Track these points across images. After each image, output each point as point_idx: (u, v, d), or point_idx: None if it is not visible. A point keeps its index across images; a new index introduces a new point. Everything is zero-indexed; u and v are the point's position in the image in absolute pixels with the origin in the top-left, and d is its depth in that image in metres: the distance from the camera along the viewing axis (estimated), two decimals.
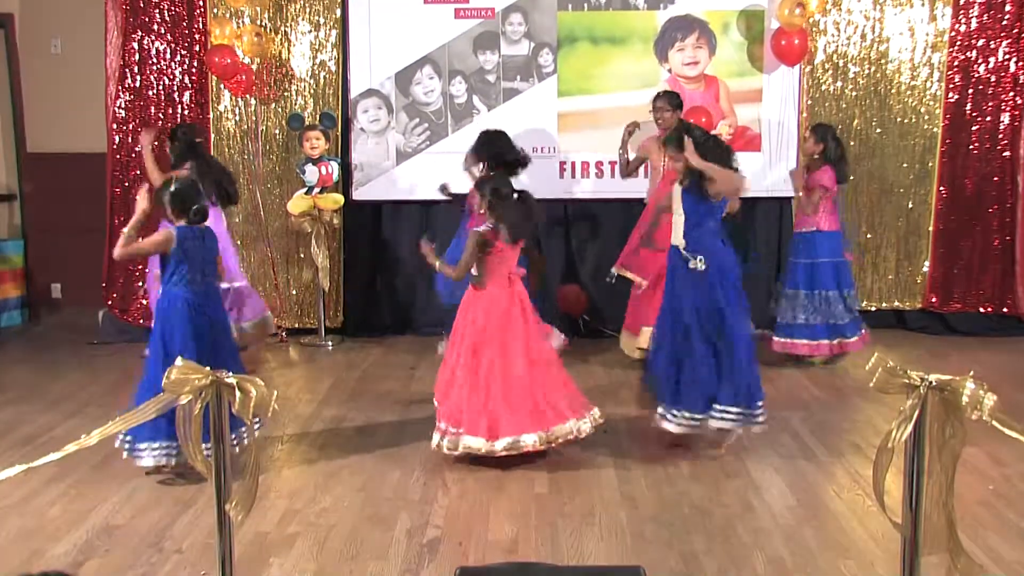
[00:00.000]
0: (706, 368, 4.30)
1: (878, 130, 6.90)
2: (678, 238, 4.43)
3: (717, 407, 4.30)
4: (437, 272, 4.57)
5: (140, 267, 6.73)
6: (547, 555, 3.32)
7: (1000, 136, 6.88)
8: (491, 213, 4.28)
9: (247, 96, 6.77)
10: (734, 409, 4.29)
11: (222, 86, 6.79)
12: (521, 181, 6.84)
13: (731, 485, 4.01)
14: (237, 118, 6.88)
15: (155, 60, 6.88)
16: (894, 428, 2.36)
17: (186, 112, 6.92)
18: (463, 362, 4.28)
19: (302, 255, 6.91)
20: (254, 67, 6.69)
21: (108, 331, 6.92)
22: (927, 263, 6.99)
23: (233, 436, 3.99)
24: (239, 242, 6.96)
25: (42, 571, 1.46)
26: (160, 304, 4.09)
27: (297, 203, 6.48)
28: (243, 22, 6.74)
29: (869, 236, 6.99)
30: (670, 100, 6.04)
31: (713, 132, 6.81)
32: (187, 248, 4.02)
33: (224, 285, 5.33)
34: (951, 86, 6.85)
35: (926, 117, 6.87)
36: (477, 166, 5.13)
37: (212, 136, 6.86)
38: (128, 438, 3.97)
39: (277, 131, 6.89)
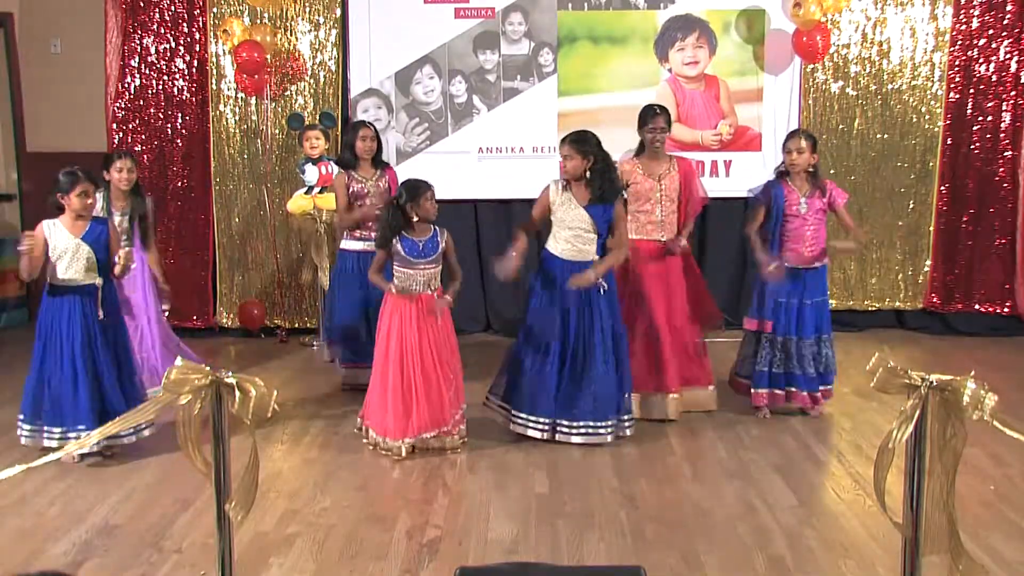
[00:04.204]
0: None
1: (879, 130, 6.90)
2: (587, 253, 4.42)
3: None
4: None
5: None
6: (547, 555, 3.31)
7: (1001, 135, 6.88)
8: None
9: (251, 95, 6.76)
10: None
11: (223, 86, 6.79)
12: (522, 181, 6.97)
13: (731, 485, 4.01)
14: (237, 118, 6.87)
15: (155, 60, 6.88)
16: (895, 428, 2.36)
17: (186, 112, 6.92)
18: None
19: (302, 255, 6.91)
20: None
21: None
22: (928, 263, 6.99)
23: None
24: (238, 241, 6.97)
25: (40, 571, 1.45)
26: None
27: (297, 203, 6.47)
28: (244, 21, 6.73)
29: (869, 237, 6.98)
30: (667, 117, 5.75)
31: (713, 133, 6.89)
32: None
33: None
34: (952, 85, 6.85)
35: (927, 117, 6.87)
36: None
37: (212, 136, 6.86)
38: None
39: (277, 130, 6.88)
